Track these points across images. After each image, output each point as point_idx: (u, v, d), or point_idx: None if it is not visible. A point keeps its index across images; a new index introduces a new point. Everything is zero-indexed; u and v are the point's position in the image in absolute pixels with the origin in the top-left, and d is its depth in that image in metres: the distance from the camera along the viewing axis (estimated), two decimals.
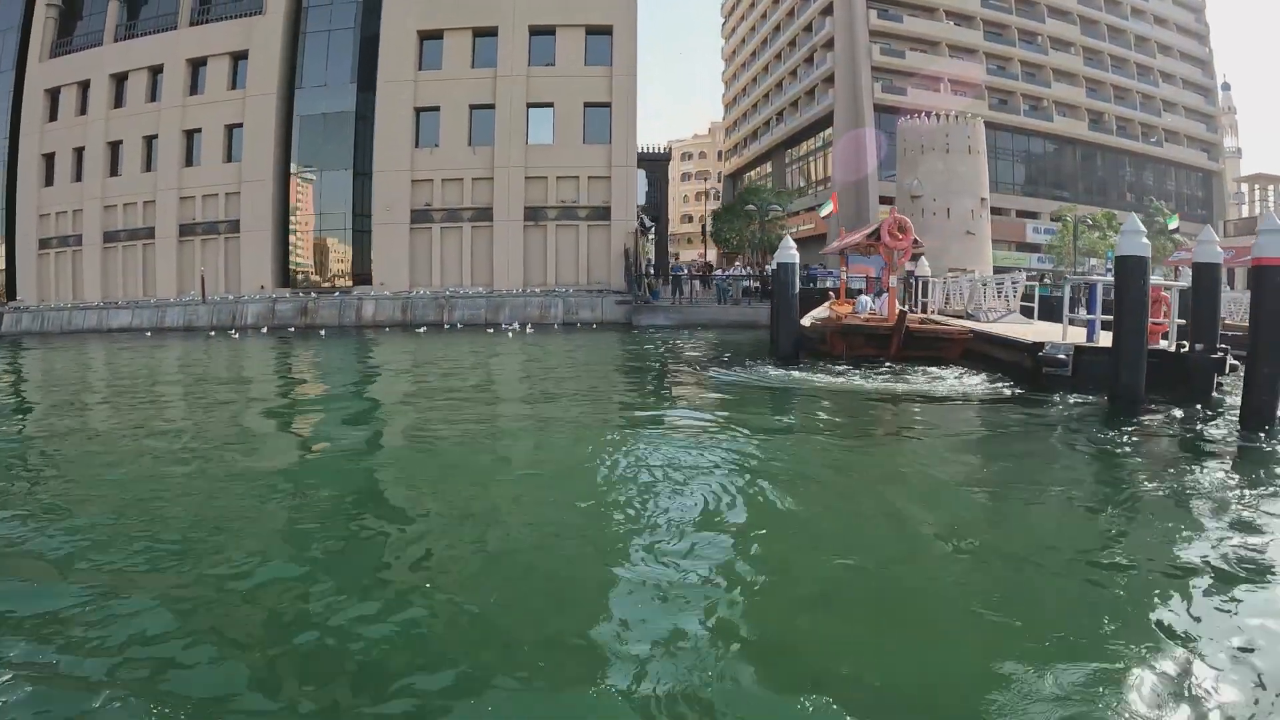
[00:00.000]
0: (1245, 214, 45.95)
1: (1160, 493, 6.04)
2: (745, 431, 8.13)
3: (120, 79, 36.15)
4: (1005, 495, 6.08)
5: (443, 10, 33.65)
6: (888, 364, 13.72)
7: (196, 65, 35.44)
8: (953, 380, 11.85)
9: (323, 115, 34.20)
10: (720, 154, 77.13)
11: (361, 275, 34.43)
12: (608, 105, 33.25)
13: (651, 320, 30.08)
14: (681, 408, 10.73)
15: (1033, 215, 51.22)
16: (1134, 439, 8.05)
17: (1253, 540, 4.65)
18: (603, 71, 33.27)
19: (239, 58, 34.92)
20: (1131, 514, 5.54)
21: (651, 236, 53.46)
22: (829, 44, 52.49)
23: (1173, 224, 32.96)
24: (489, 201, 33.42)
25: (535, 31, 33.51)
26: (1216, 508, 5.45)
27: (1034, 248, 49.01)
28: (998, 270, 34.67)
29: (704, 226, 53.61)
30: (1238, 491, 5.97)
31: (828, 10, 52.67)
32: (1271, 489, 6.13)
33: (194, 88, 35.52)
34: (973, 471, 6.95)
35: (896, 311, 14.85)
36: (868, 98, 49.56)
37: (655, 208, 51.78)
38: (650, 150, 51.15)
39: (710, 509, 5.20)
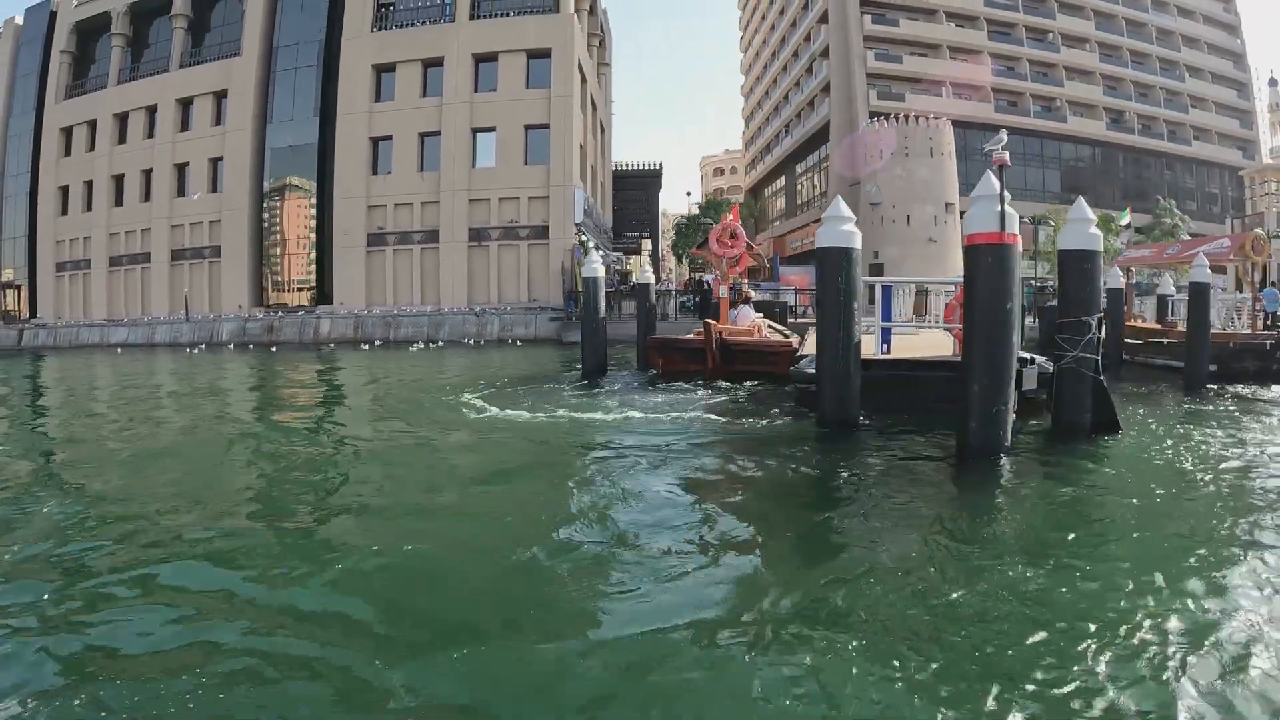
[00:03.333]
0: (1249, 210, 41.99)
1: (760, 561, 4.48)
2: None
3: (122, 118, 39.77)
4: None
5: (396, 45, 35.38)
6: (707, 381, 12.51)
7: (185, 104, 38.57)
8: (691, 411, 9.90)
9: (290, 147, 36.48)
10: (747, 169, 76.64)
11: (325, 295, 36.43)
12: (547, 126, 34.03)
13: (579, 337, 30.51)
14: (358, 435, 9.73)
15: (1048, 222, 48.54)
16: (793, 482, 6.47)
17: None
18: (542, 94, 34.06)
19: (220, 96, 37.78)
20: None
21: (647, 251, 53.80)
22: (826, 53, 51.59)
23: (1124, 219, 29.69)
24: (437, 224, 34.78)
25: (480, 59, 34.70)
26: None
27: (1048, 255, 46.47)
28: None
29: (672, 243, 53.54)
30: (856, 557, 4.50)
31: (825, 18, 51.80)
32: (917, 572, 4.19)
33: (184, 124, 38.64)
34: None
35: (717, 325, 13.34)
36: (863, 106, 48.26)
37: (649, 224, 52.03)
38: (644, 167, 51.53)
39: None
